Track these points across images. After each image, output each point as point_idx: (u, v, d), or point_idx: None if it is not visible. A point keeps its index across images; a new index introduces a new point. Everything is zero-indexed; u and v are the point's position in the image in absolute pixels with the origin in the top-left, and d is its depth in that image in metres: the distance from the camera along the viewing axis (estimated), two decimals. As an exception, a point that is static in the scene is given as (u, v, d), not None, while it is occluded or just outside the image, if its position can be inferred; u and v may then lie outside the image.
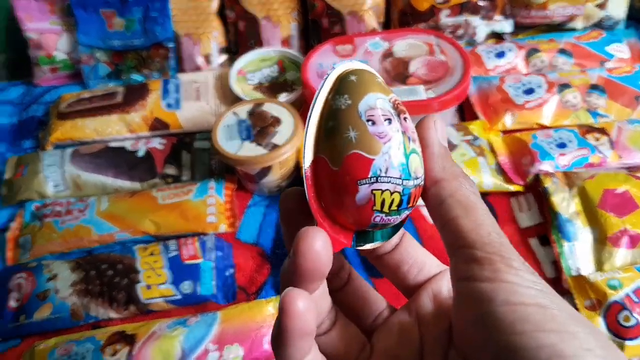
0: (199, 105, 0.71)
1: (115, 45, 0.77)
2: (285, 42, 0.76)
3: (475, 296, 0.19)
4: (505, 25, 0.76)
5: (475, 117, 0.69)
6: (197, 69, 0.77)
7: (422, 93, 0.64)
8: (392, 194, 0.20)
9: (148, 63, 0.76)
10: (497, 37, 0.78)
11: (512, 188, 0.61)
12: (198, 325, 0.50)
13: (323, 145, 0.20)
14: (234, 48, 0.78)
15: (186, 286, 0.54)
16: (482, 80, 0.70)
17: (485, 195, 0.61)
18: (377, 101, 0.20)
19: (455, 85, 0.63)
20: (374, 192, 0.19)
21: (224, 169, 0.65)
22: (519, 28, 0.76)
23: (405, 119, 0.20)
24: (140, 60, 0.77)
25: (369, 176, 0.19)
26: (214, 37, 0.76)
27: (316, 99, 0.21)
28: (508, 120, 0.67)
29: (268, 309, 0.52)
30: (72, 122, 0.70)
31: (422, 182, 0.21)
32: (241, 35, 0.76)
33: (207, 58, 0.77)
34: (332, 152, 0.20)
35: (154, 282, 0.54)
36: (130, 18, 0.76)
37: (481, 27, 0.75)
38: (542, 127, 0.66)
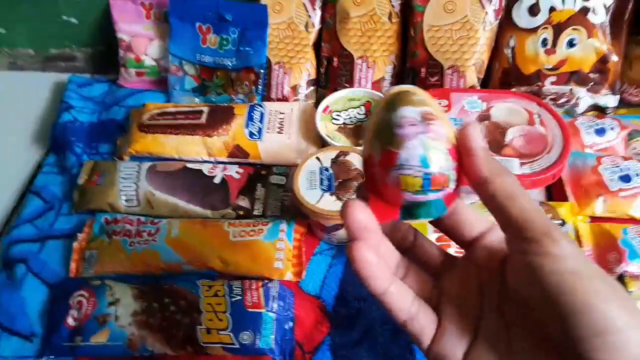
0: (280, 138, 0.69)
1: (206, 61, 0.76)
2: (377, 83, 0.73)
3: (527, 266, 0.24)
4: (610, 100, 0.71)
5: (563, 196, 0.65)
6: (284, 98, 0.75)
7: (516, 167, 0.60)
8: (413, 177, 0.25)
9: (236, 85, 0.75)
10: (599, 110, 0.73)
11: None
12: (253, 383, 0.49)
13: (371, 145, 0.27)
14: (323, 82, 0.76)
15: (245, 336, 0.53)
16: (577, 156, 0.66)
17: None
18: (407, 112, 0.26)
19: (552, 164, 0.59)
20: (400, 176, 0.26)
21: (296, 211, 0.63)
22: (624, 105, 0.71)
23: (430, 124, 0.26)
24: (229, 80, 0.76)
25: (396, 165, 0.26)
26: (306, 69, 0.74)
27: (373, 113, 0.28)
28: (599, 206, 0.62)
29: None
30: (154, 136, 0.70)
31: (447, 172, 0.26)
32: (333, 71, 0.74)
33: (295, 89, 0.75)
34: (375, 149, 0.27)
35: (215, 326, 0.53)
36: (225, 37, 0.75)
37: (585, 99, 0.70)
38: (634, 220, 0.61)
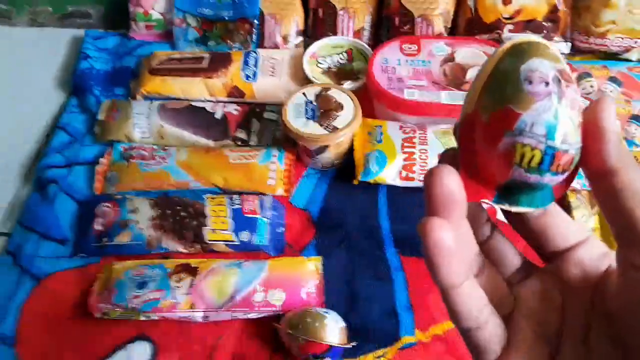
0: (272, 80, 0.80)
1: (206, 13, 0.86)
2: (358, 33, 0.84)
3: None
4: (563, 47, 0.81)
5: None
6: (276, 46, 0.86)
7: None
8: (532, 149, 0.20)
9: (233, 34, 0.85)
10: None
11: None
12: (250, 269, 0.60)
13: (480, 101, 0.22)
14: (310, 32, 0.86)
15: (244, 235, 0.64)
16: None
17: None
18: (539, 65, 0.21)
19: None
20: (516, 144, 0.21)
21: (286, 140, 0.74)
22: (576, 52, 0.81)
23: (567, 86, 0.21)
24: (226, 30, 0.86)
25: (514, 128, 0.20)
26: (295, 20, 0.85)
27: (486, 63, 0.23)
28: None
29: (308, 265, 0.61)
30: (162, 78, 0.80)
31: (574, 152, 0.21)
32: (319, 22, 0.84)
33: (286, 38, 0.85)
34: (487, 105, 0.22)
35: (219, 227, 0.64)
36: (223, -9, 0.85)
37: (540, 45, 0.80)
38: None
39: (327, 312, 0.57)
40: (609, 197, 0.21)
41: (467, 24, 0.81)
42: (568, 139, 0.21)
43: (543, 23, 0.79)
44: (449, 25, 0.82)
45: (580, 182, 0.66)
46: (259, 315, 0.59)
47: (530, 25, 0.79)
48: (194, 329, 0.59)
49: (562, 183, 0.23)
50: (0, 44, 0.94)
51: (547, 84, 0.21)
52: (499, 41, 0.80)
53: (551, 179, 0.21)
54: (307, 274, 0.61)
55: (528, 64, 0.21)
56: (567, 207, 0.65)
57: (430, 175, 0.21)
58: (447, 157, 0.24)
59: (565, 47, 0.81)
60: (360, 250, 0.66)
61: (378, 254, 0.65)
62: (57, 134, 0.79)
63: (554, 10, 0.78)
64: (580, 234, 0.24)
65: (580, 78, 0.78)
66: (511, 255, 0.26)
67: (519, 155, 0.21)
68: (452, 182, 0.21)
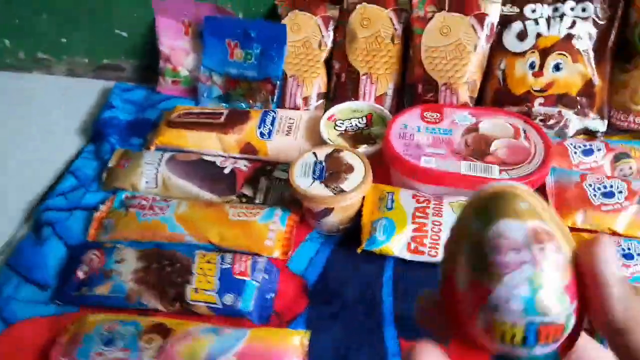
0: (287, 139, 0.77)
1: (231, 72, 0.86)
2: (380, 98, 0.81)
3: None
4: (598, 124, 0.75)
5: (546, 208, 0.68)
6: (296, 108, 0.84)
7: (495, 173, 0.65)
8: (512, 327, 0.18)
9: (255, 94, 0.84)
10: (589, 134, 0.77)
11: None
12: (228, 337, 0.54)
13: (453, 261, 0.20)
14: (332, 96, 0.84)
15: (228, 298, 0.59)
16: (562, 172, 0.70)
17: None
18: (507, 229, 0.19)
19: (531, 172, 0.64)
20: (494, 322, 0.19)
21: (293, 201, 0.70)
22: (613, 130, 0.75)
23: (542, 249, 0.19)
24: (249, 90, 0.85)
25: (487, 305, 0.19)
26: (317, 83, 0.83)
27: (461, 213, 0.21)
28: (580, 218, 0.65)
29: (294, 340, 0.55)
30: (178, 131, 0.79)
31: (563, 320, 0.19)
32: (341, 86, 0.82)
33: (307, 100, 0.83)
34: (461, 270, 0.20)
35: (203, 287, 0.59)
36: (249, 51, 0.85)
37: (574, 122, 0.75)
38: (614, 233, 0.64)
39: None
40: (624, 356, 0.18)
41: (494, 95, 0.77)
42: (552, 309, 0.19)
43: (577, 98, 0.74)
44: (475, 96, 0.78)
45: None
46: (230, 390, 0.52)
47: (563, 99, 0.74)
48: (158, 397, 0.53)
49: (569, 339, 0.20)
50: (37, 91, 0.97)
51: (517, 251, 0.19)
52: (529, 115, 0.75)
53: (545, 350, 0.19)
54: (290, 349, 0.54)
55: (494, 229, 0.19)
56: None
57: (411, 353, 0.19)
58: (428, 303, 0.22)
59: (602, 125, 0.75)
60: (356, 327, 0.59)
61: (375, 334, 0.58)
62: (66, 177, 0.78)
63: (589, 84, 0.73)
64: None
65: (617, 159, 0.71)
66: None
67: (498, 333, 0.19)
68: None
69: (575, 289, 0.19)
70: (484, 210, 0.20)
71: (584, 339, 0.22)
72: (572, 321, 0.19)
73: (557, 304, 0.19)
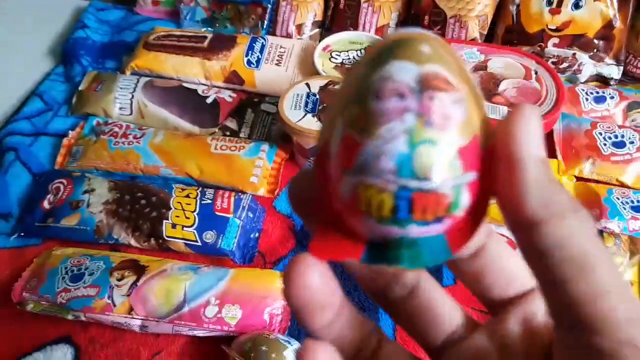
0: (278, 69, 0.70)
1: (218, -7, 0.78)
2: (381, 30, 0.74)
3: None
4: (614, 71, 0.70)
5: (553, 156, 0.64)
6: (288, 36, 0.76)
7: (503, 114, 0.60)
8: (379, 192, 0.14)
9: (243, 18, 0.77)
10: (603, 81, 0.72)
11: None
12: (207, 276, 0.50)
13: (332, 123, 0.16)
14: (328, 24, 0.77)
15: (209, 235, 0.54)
16: (572, 119, 0.65)
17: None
18: (397, 71, 0.14)
19: (542, 115, 0.59)
20: (358, 186, 0.14)
21: (282, 137, 0.64)
22: (628, 78, 0.70)
23: (432, 97, 0.14)
24: (237, 13, 0.77)
25: (354, 165, 0.14)
26: (312, 9, 0.75)
27: (352, 68, 0.16)
28: (587, 168, 0.61)
29: (278, 282, 0.50)
30: (156, 54, 0.72)
31: (449, 190, 0.14)
32: (339, 14, 0.75)
33: (300, 28, 0.76)
34: (337, 130, 0.15)
35: (181, 222, 0.54)
36: (238, -30, 0.77)
37: (588, 66, 0.69)
38: (622, 185, 0.60)
39: (289, 342, 0.45)
40: (535, 261, 0.14)
41: (506, 32, 0.70)
42: (434, 173, 0.14)
43: (594, 40, 0.68)
44: (485, 32, 0.71)
45: (621, 225, 0.54)
46: (208, 334, 0.48)
47: (579, 41, 0.68)
48: (128, 339, 0.49)
49: (465, 226, 0.15)
50: (3, 6, 0.88)
51: (402, 96, 0.14)
52: (541, 55, 0.69)
53: (424, 230, 0.15)
54: (274, 291, 0.50)
55: (384, 69, 0.14)
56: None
57: (286, 275, 0.16)
58: (301, 182, 0.17)
59: (617, 72, 0.70)
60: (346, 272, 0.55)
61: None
62: (32, 100, 0.70)
63: (608, 26, 0.67)
64: (527, 282, 0.19)
65: (630, 108, 0.67)
66: (445, 315, 0.19)
67: (363, 201, 0.14)
68: (314, 286, 0.16)
69: (476, 159, 0.15)
70: (377, 56, 0.15)
71: (498, 243, 0.18)
72: (464, 197, 0.15)
73: (443, 168, 0.14)
